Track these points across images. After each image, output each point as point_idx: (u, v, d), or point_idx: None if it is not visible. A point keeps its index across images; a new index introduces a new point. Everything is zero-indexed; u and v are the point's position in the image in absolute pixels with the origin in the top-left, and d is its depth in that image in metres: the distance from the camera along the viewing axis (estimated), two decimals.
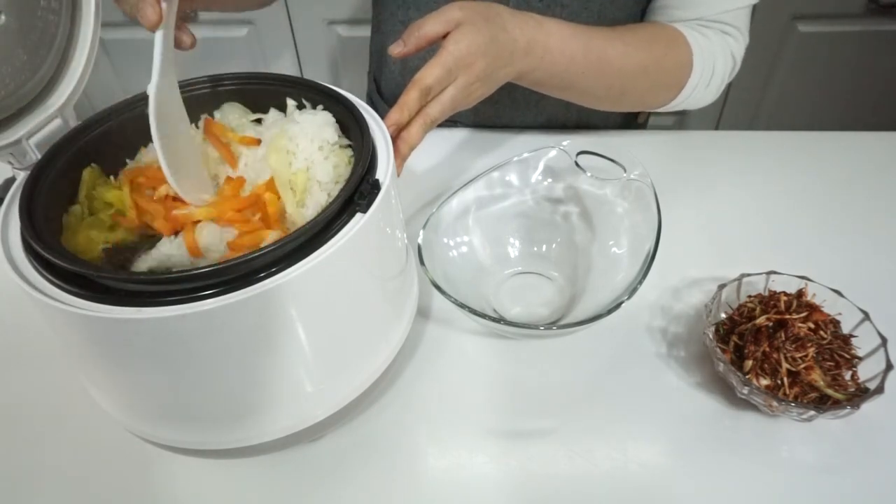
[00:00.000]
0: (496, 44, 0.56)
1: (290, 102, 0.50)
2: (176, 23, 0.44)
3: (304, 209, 0.44)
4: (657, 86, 0.69)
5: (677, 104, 0.71)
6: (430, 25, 0.55)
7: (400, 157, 0.53)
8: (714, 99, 0.72)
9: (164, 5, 0.41)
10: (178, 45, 0.46)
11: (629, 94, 0.68)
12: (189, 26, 0.52)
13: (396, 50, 0.55)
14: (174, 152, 0.42)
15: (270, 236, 0.42)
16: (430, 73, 0.53)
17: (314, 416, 0.43)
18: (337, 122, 0.48)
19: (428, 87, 0.53)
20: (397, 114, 0.52)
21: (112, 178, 0.46)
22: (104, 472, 0.49)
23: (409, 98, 0.52)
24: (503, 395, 0.53)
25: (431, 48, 0.56)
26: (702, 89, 0.70)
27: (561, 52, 0.61)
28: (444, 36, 0.55)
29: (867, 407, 0.45)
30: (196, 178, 0.45)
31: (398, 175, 0.53)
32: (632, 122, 0.90)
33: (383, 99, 0.90)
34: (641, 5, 0.73)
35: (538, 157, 0.63)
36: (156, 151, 0.41)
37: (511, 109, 0.82)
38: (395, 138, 0.53)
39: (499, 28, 0.56)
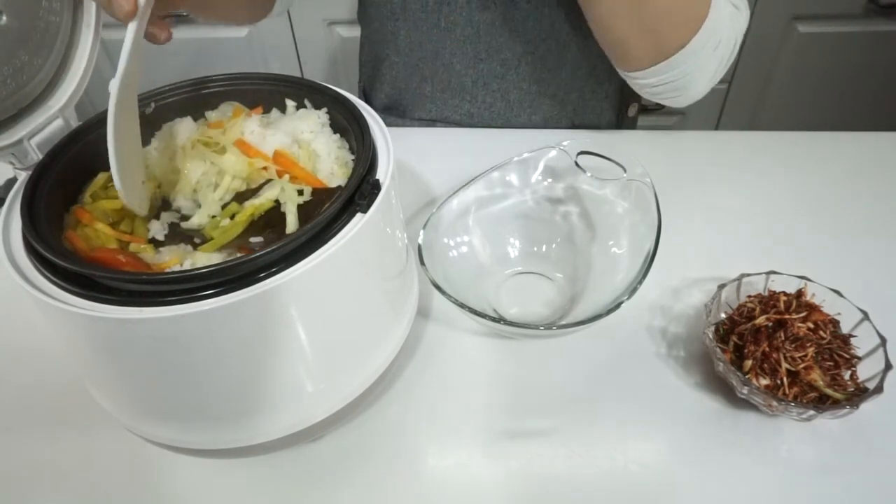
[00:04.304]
0: None
1: (290, 103, 0.50)
2: (156, 19, 0.42)
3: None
4: (676, 8, 0.62)
5: (692, 50, 0.64)
6: None
7: None
8: (715, 71, 0.67)
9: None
10: (152, 39, 0.44)
11: (647, 7, 0.61)
12: (190, 26, 0.51)
13: None
14: (124, 156, 0.40)
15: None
16: None
17: (314, 416, 0.43)
18: (336, 122, 0.49)
19: None
20: None
21: None
22: (104, 472, 0.49)
23: None
24: (503, 395, 0.53)
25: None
26: (710, 51, 0.64)
27: None
28: None
29: (867, 407, 0.45)
30: (139, 189, 0.43)
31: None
32: (624, 117, 0.90)
33: (375, 110, 0.88)
34: None
35: (538, 157, 0.63)
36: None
37: (506, 111, 0.83)
38: None
39: None
